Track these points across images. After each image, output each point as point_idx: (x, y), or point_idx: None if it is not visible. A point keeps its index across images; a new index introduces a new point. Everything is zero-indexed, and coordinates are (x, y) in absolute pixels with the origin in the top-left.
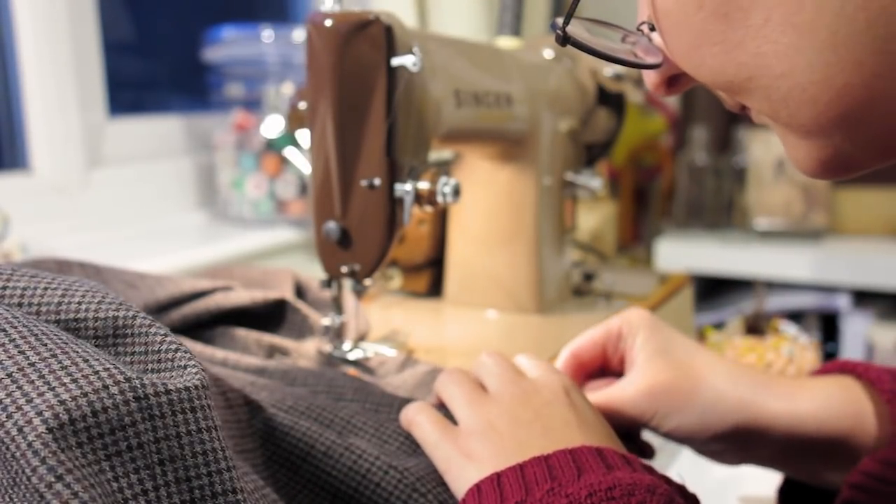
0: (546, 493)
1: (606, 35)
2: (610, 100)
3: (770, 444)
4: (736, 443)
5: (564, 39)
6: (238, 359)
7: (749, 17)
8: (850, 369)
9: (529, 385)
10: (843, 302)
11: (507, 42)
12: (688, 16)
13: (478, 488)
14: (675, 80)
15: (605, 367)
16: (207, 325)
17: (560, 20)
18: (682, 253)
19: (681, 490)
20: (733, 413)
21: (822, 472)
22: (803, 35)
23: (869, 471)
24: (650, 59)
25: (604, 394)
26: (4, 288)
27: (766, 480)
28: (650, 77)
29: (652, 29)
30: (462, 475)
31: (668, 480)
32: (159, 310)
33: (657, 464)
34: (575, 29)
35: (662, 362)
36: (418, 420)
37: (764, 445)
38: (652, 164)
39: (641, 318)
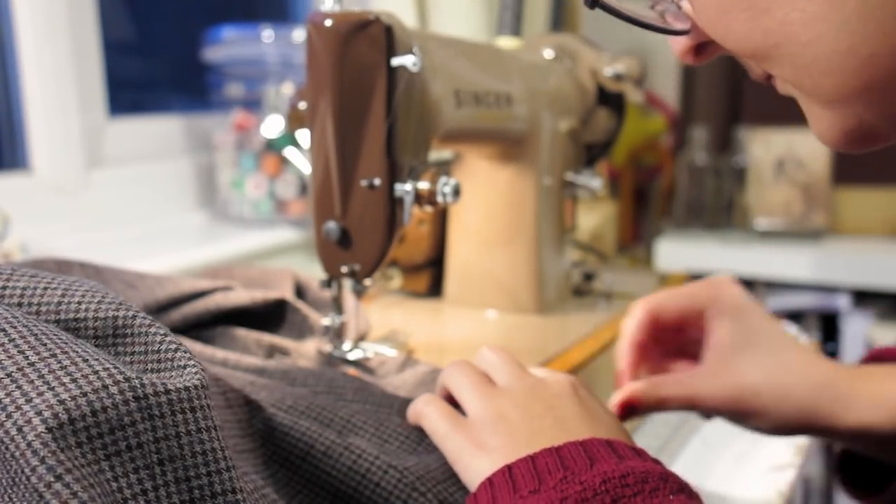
0: (559, 482)
1: (635, 2)
2: (610, 100)
3: (841, 441)
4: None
5: (593, 3)
6: (238, 359)
7: None
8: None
9: (538, 380)
10: (843, 302)
11: (507, 42)
12: None
13: (490, 482)
14: (702, 47)
15: (682, 328)
16: (207, 325)
17: None
18: (682, 253)
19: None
20: (806, 424)
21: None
22: (831, 4)
23: None
24: (679, 26)
25: (678, 384)
26: (4, 288)
27: (769, 480)
28: (678, 44)
29: None
30: (473, 466)
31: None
32: (159, 310)
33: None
34: None
35: (746, 366)
36: (427, 412)
37: (835, 441)
38: (652, 164)
39: (733, 302)
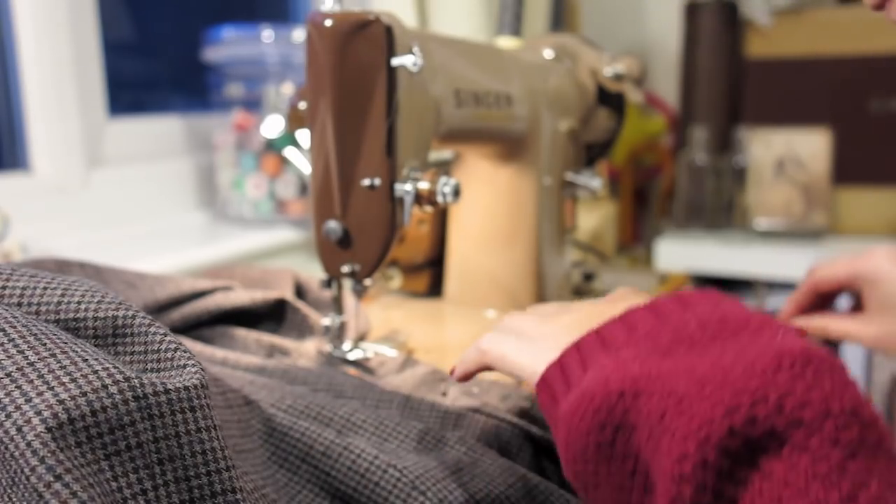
0: (652, 328)
1: None
2: (610, 100)
3: None
4: None
5: None
6: (238, 358)
7: None
8: None
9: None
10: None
11: (507, 42)
12: None
13: (577, 345)
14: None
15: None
16: (207, 325)
17: None
18: (682, 253)
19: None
20: None
21: None
22: None
23: None
24: None
25: (840, 325)
26: (4, 287)
27: None
28: None
29: None
30: (549, 362)
31: None
32: (159, 310)
33: None
34: None
35: None
36: (489, 344)
37: None
38: (652, 164)
39: (892, 267)
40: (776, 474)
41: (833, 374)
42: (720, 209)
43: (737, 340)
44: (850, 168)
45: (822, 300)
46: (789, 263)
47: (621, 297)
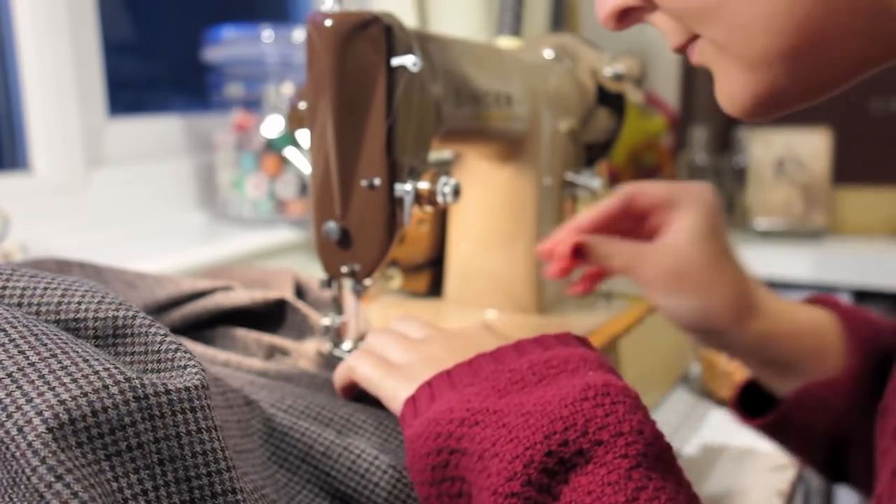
0: (491, 372)
1: None
2: (610, 100)
3: (741, 353)
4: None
5: None
6: (240, 361)
7: None
8: (831, 305)
9: (452, 329)
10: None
11: (507, 42)
12: None
13: (429, 383)
14: (627, 13)
15: (641, 220)
16: (207, 326)
17: None
18: None
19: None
20: (721, 323)
21: (780, 383)
22: None
23: (815, 391)
24: None
25: (629, 250)
26: (4, 288)
27: (769, 480)
28: (603, 7)
29: None
30: (410, 394)
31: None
32: (159, 310)
33: None
34: None
35: (694, 251)
36: (357, 364)
37: (735, 352)
38: (652, 164)
39: (703, 200)
40: (581, 486)
41: (625, 401)
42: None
43: (557, 379)
44: (850, 168)
45: (633, 221)
46: (789, 263)
47: (474, 338)
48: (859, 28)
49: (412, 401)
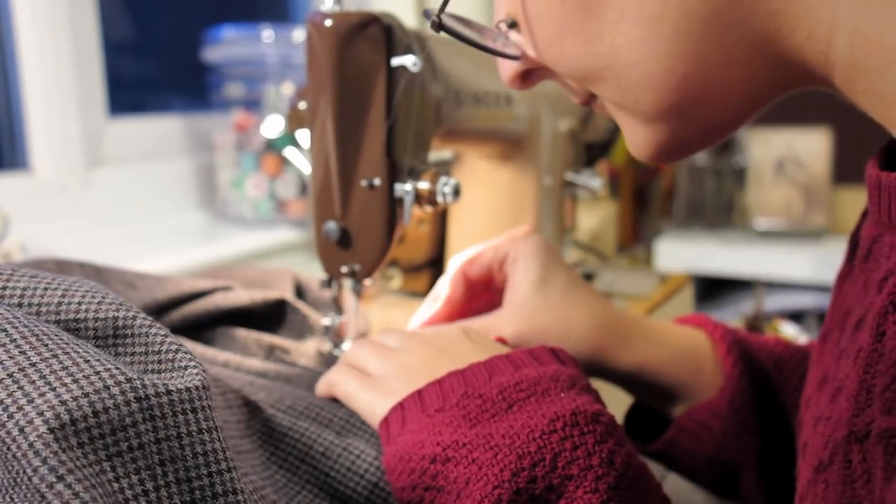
0: (461, 398)
1: (473, 28)
2: None
3: (620, 382)
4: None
5: (440, 27)
6: (240, 361)
7: (606, 11)
8: (702, 325)
9: (431, 333)
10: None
11: None
12: (551, 8)
13: (400, 405)
14: (529, 74)
15: (489, 283)
16: (207, 326)
17: (434, 9)
18: (682, 253)
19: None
20: (589, 359)
21: (665, 408)
22: (652, 27)
23: (695, 416)
24: (511, 51)
25: (482, 326)
26: (4, 288)
27: None
28: (506, 70)
29: (510, 27)
30: (385, 412)
31: (575, 361)
32: (159, 310)
33: None
34: (447, 20)
35: (538, 304)
36: (336, 379)
37: (615, 381)
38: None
39: (527, 246)
40: None
41: (595, 429)
42: (720, 209)
43: (527, 405)
44: (849, 168)
45: (481, 286)
46: (789, 263)
47: (449, 347)
48: (740, 76)
49: (385, 423)
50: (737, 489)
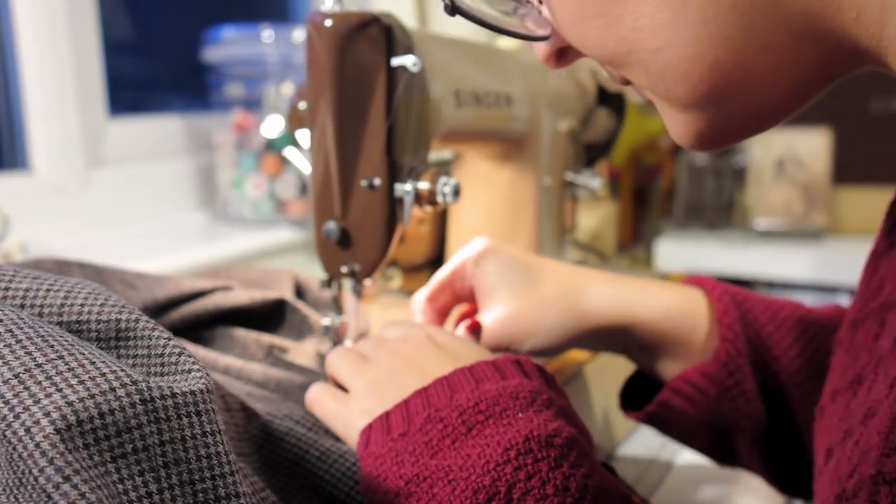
0: (424, 421)
1: (497, 6)
2: (610, 100)
3: (612, 344)
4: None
5: (453, 9)
6: (241, 367)
7: None
8: (703, 284)
9: (398, 341)
10: (843, 302)
11: (507, 42)
12: None
13: (369, 427)
14: (563, 52)
15: (458, 301)
16: (207, 326)
17: None
18: (682, 253)
19: (551, 381)
20: (567, 331)
21: (661, 369)
22: (677, 11)
23: (689, 378)
24: (540, 32)
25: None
26: (6, 290)
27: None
28: (540, 49)
29: (541, 1)
30: (358, 432)
31: (541, 372)
32: (158, 310)
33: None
34: (462, 2)
35: (506, 293)
36: (317, 398)
37: (608, 345)
38: (652, 164)
39: (482, 250)
40: None
41: (549, 455)
42: (720, 209)
43: (484, 429)
44: (850, 168)
45: (444, 315)
46: (789, 263)
47: (415, 357)
48: (779, 62)
49: (358, 445)
50: (732, 454)
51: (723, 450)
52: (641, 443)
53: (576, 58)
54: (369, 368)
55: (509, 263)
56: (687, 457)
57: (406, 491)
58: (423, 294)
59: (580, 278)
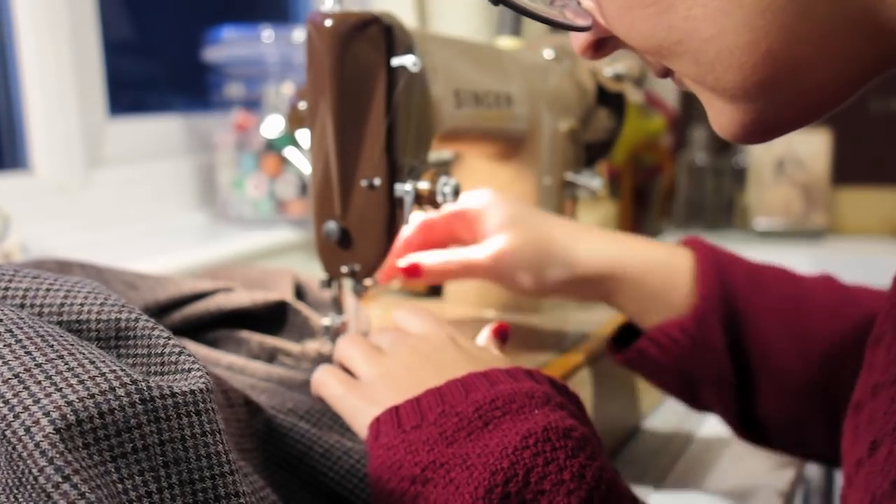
0: (439, 416)
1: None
2: (610, 100)
3: (598, 291)
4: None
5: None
6: (244, 365)
7: None
8: (693, 244)
9: (419, 338)
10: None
11: (507, 42)
12: None
13: (377, 420)
14: (602, 43)
15: (451, 238)
16: (209, 327)
17: None
18: None
19: (562, 390)
20: (556, 278)
21: (643, 320)
22: None
23: (664, 330)
24: (580, 22)
25: (461, 252)
26: (6, 289)
27: (769, 480)
28: (578, 39)
29: None
30: (367, 419)
31: (552, 382)
32: (160, 311)
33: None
34: None
35: (508, 229)
36: (323, 380)
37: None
38: (652, 164)
39: (489, 196)
40: None
41: (567, 444)
42: (720, 209)
43: (502, 422)
44: (849, 168)
45: (434, 242)
46: (789, 263)
47: (434, 355)
48: (835, 52)
49: (367, 437)
50: (699, 400)
51: (689, 395)
52: (640, 444)
53: (613, 49)
54: (386, 359)
55: (515, 207)
56: (694, 445)
57: (423, 477)
58: (423, 217)
59: (577, 231)
